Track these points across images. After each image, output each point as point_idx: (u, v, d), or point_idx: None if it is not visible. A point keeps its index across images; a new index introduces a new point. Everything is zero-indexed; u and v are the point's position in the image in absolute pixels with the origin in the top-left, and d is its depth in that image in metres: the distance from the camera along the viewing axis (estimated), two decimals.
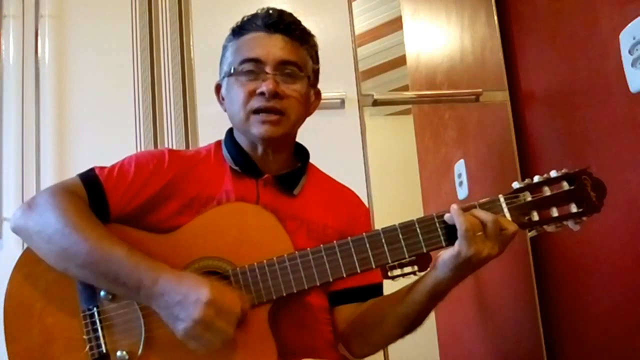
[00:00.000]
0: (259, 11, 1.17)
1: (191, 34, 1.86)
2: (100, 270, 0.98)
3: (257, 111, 1.12)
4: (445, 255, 1.00)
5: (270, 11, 1.16)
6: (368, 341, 1.14)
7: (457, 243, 0.98)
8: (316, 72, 1.23)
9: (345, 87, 1.83)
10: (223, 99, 1.21)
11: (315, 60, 1.22)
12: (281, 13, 1.17)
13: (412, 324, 1.10)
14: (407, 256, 1.00)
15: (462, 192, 2.16)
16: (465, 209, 1.00)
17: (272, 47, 1.14)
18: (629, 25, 1.32)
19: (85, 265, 0.98)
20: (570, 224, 1.02)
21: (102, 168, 1.12)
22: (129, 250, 0.99)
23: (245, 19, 1.18)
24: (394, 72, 2.91)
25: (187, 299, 0.93)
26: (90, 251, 0.98)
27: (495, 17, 1.93)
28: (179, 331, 0.94)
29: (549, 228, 1.02)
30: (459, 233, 0.98)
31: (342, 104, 1.83)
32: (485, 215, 0.99)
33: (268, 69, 1.12)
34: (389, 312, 1.11)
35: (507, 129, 1.88)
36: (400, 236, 1.01)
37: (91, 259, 0.98)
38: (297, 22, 1.18)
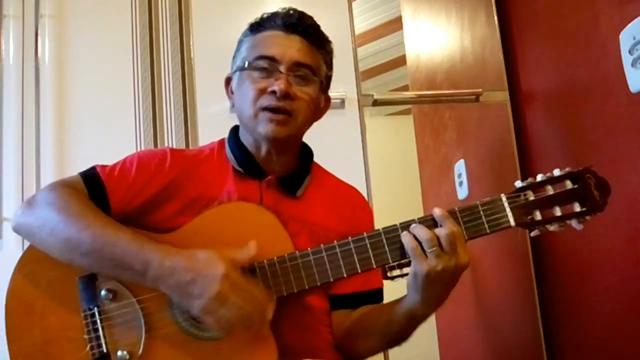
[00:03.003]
0: (280, 10, 1.17)
1: (191, 34, 1.86)
2: (105, 256, 0.97)
3: (266, 109, 1.11)
4: (408, 278, 0.99)
5: (291, 12, 1.16)
6: (355, 350, 1.14)
7: (411, 264, 0.97)
8: (329, 79, 1.22)
9: (345, 87, 1.83)
10: (232, 93, 1.21)
11: (330, 66, 1.21)
12: (301, 15, 1.16)
13: (393, 341, 1.10)
14: (407, 256, 1.00)
15: (462, 192, 2.16)
16: (423, 221, 0.99)
17: (289, 47, 1.13)
18: (629, 25, 1.32)
19: (90, 253, 0.98)
20: (573, 223, 1.01)
21: (103, 167, 1.11)
22: (133, 233, 0.98)
23: (264, 16, 1.18)
24: (394, 72, 2.92)
25: (200, 275, 0.92)
26: (94, 238, 0.97)
27: (495, 17, 1.93)
28: (195, 307, 0.93)
29: (552, 227, 1.01)
30: (409, 253, 0.97)
31: (342, 104, 1.83)
32: (439, 230, 0.97)
33: (282, 69, 1.11)
34: (372, 326, 1.11)
35: (507, 129, 1.88)
36: (401, 236, 1.00)
37: (96, 246, 0.97)
38: (316, 26, 1.17)
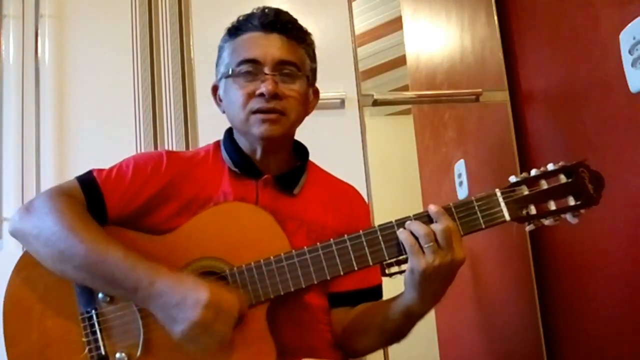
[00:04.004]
0: (255, 10, 1.16)
1: (191, 34, 1.86)
2: (97, 272, 0.98)
3: (257, 112, 1.11)
4: (405, 275, 1.00)
5: (267, 10, 1.15)
6: (354, 347, 1.15)
7: (408, 260, 0.97)
8: (314, 71, 1.22)
9: (345, 87, 1.82)
10: (220, 100, 1.21)
11: (313, 58, 1.21)
12: (277, 12, 1.15)
13: (391, 337, 1.11)
14: (403, 253, 1.00)
15: (462, 192, 2.16)
16: (419, 218, 0.99)
17: (270, 47, 1.12)
18: (629, 25, 1.32)
19: (82, 267, 0.98)
20: (568, 217, 1.01)
21: (100, 170, 1.11)
22: (126, 251, 0.98)
23: (241, 18, 1.17)
24: (394, 72, 2.91)
25: (185, 300, 0.93)
26: (87, 253, 0.97)
27: (495, 17, 1.93)
28: (176, 333, 0.94)
29: (547, 222, 1.01)
30: (406, 249, 0.97)
31: (342, 104, 1.83)
32: (435, 226, 0.97)
33: (267, 70, 1.11)
34: (370, 323, 1.11)
35: (507, 129, 1.88)
36: (397, 233, 1.00)
37: (88, 261, 0.97)
38: (293, 21, 1.17)
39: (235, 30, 1.17)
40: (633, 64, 1.31)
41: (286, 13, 1.17)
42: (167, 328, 0.96)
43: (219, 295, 0.95)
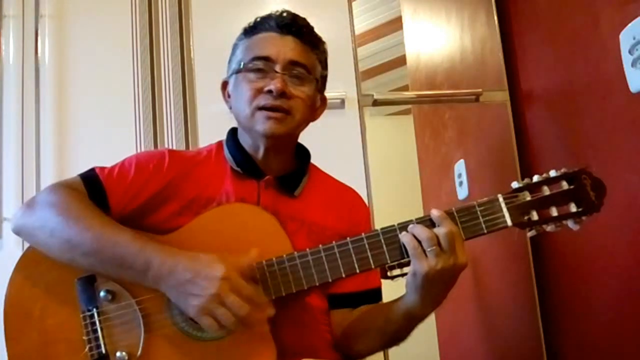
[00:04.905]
0: (273, 13, 1.18)
1: (191, 34, 1.86)
2: (106, 256, 0.98)
3: (262, 108, 1.12)
4: (407, 278, 1.00)
5: (284, 13, 1.18)
6: (354, 349, 1.15)
7: (411, 263, 0.98)
8: (324, 78, 1.24)
9: (345, 87, 1.83)
10: (229, 96, 1.22)
11: (324, 66, 1.23)
12: (294, 16, 1.18)
13: (391, 340, 1.10)
14: (405, 256, 1.00)
15: (462, 192, 2.16)
16: (421, 222, 0.99)
17: (283, 47, 1.14)
18: (629, 25, 1.32)
19: (90, 253, 0.98)
20: (569, 223, 1.01)
21: (102, 168, 1.12)
22: (134, 233, 0.99)
23: (258, 19, 1.19)
24: (394, 72, 2.92)
25: (199, 274, 0.92)
26: (95, 238, 0.98)
27: (495, 17, 1.93)
28: (192, 307, 0.93)
29: (549, 228, 1.01)
30: (409, 252, 0.97)
31: (342, 104, 1.83)
32: (438, 230, 0.97)
33: (277, 68, 1.13)
34: (370, 325, 1.11)
35: (507, 129, 1.88)
36: (399, 236, 1.01)
37: (96, 246, 0.98)
38: (309, 27, 1.19)
39: (251, 30, 1.19)
40: (633, 64, 1.31)
41: (303, 19, 1.19)
42: (182, 305, 0.95)
43: (235, 269, 0.94)
